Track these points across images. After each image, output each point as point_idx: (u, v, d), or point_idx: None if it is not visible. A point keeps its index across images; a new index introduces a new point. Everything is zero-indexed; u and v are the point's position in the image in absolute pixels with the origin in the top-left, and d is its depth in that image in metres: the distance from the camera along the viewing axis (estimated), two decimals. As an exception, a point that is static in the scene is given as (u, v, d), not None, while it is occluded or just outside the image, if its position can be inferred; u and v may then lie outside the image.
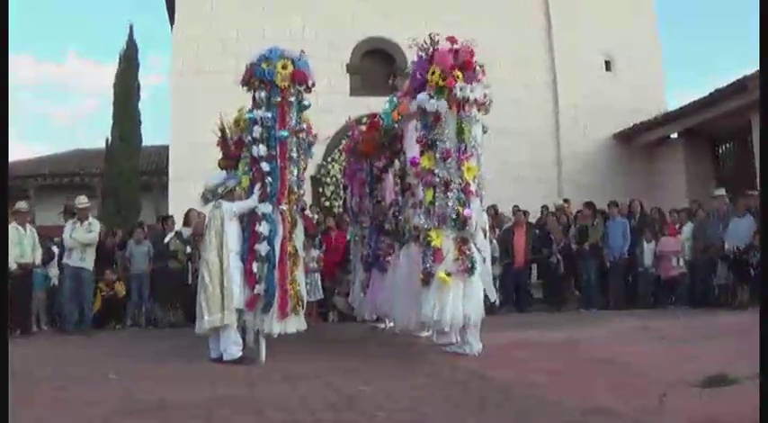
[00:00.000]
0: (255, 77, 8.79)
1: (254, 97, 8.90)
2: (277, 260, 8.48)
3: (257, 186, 8.60)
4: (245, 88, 9.08)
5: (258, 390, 6.75)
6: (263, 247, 8.41)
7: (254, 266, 8.40)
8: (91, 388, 6.96)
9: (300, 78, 8.82)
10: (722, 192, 15.06)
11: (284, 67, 8.67)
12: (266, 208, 8.51)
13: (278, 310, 8.40)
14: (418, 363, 8.47)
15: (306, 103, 9.06)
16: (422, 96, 8.64)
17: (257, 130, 8.66)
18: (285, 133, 8.69)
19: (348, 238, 13.90)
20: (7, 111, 6.84)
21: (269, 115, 8.65)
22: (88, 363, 8.84)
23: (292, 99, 8.81)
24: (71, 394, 6.62)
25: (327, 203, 19.07)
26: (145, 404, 5.98)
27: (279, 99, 8.69)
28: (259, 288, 8.36)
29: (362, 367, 8.10)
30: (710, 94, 17.31)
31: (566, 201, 17.53)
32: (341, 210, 17.67)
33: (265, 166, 8.59)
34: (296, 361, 8.42)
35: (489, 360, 8.24)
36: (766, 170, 7.87)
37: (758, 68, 6.89)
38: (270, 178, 8.58)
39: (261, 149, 8.59)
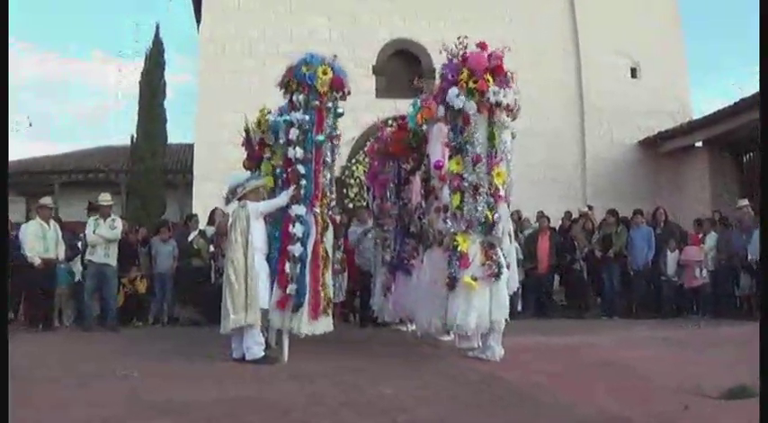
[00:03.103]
0: (294, 80, 8.89)
1: (290, 100, 8.99)
2: (309, 261, 8.54)
3: (292, 188, 8.67)
4: (281, 91, 9.18)
5: (267, 389, 6.77)
6: (296, 249, 8.48)
7: (287, 267, 8.46)
8: (99, 386, 6.98)
9: (339, 85, 8.94)
10: (745, 202, 14.99)
11: (324, 73, 8.78)
12: (300, 210, 8.58)
13: (310, 311, 8.47)
14: (424, 363, 8.62)
15: (340, 110, 9.18)
16: (452, 91, 8.66)
17: (294, 133, 8.75)
18: (322, 138, 8.81)
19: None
20: (7, 109, 6.89)
21: (306, 118, 8.75)
22: (102, 359, 8.85)
23: (330, 104, 8.93)
24: (80, 393, 6.62)
25: (351, 205, 19.06)
26: (153, 404, 6.00)
27: (317, 103, 8.79)
28: (291, 288, 8.41)
29: (369, 367, 8.20)
30: (735, 103, 17.21)
31: (590, 207, 17.46)
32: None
33: (301, 169, 8.68)
34: (303, 360, 8.41)
35: (501, 363, 8.38)
36: (767, 176, 7.84)
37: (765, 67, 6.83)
38: (304, 181, 8.66)
39: (297, 152, 8.69)
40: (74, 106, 65.25)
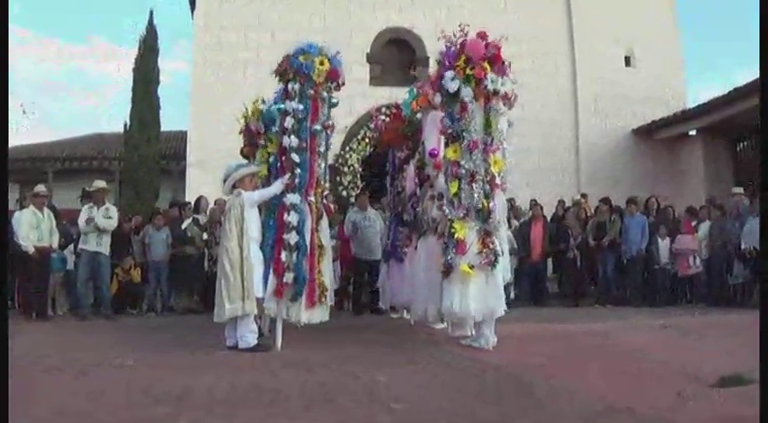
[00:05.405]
0: (291, 69, 8.83)
1: (286, 89, 8.93)
2: (307, 250, 8.52)
3: (287, 176, 8.62)
4: (276, 78, 9.14)
5: (262, 377, 6.72)
6: (291, 237, 8.42)
7: (283, 255, 8.41)
8: (97, 376, 6.94)
9: (334, 76, 8.91)
10: (740, 190, 15.00)
11: (321, 64, 8.73)
12: (295, 198, 8.53)
13: (307, 299, 8.46)
14: (418, 350, 8.62)
15: (335, 100, 9.17)
16: (447, 74, 8.59)
17: (289, 122, 8.70)
18: (318, 127, 8.77)
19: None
20: (7, 105, 6.85)
21: (301, 107, 8.70)
22: (98, 349, 8.79)
23: (325, 94, 8.90)
24: (79, 383, 6.58)
25: (345, 193, 19.04)
26: (150, 393, 5.95)
27: (312, 93, 8.72)
28: (288, 276, 8.37)
29: (363, 354, 8.21)
30: (729, 91, 17.24)
31: (583, 196, 17.51)
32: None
33: (296, 157, 8.62)
34: (298, 348, 8.42)
35: (494, 350, 8.40)
36: (766, 169, 7.86)
37: (764, 65, 6.84)
38: (299, 169, 8.62)
39: (292, 140, 8.64)
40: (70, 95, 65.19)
